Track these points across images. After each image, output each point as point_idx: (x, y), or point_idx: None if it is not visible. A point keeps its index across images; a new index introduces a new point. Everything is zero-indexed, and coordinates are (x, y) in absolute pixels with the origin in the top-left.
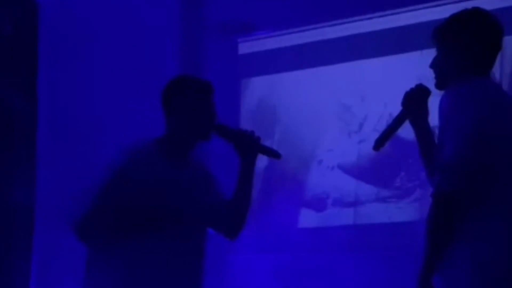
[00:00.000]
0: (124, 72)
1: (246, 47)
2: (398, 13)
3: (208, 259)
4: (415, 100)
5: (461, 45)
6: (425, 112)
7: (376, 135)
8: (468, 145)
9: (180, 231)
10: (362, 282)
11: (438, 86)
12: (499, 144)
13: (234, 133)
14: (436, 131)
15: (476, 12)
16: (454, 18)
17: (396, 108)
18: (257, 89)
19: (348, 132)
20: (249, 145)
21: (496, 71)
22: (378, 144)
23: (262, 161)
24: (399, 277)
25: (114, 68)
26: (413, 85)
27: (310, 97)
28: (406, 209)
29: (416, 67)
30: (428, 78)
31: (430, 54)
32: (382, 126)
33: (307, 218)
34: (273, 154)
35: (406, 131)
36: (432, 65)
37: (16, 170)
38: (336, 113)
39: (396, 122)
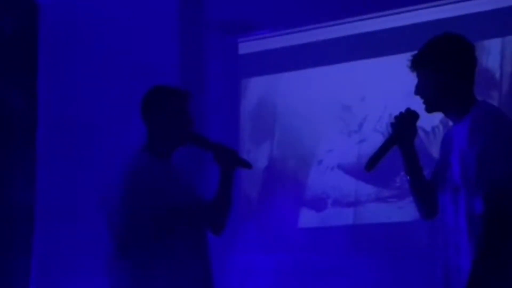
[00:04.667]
0: (124, 72)
1: (246, 47)
2: (398, 13)
3: None
4: (405, 124)
5: (456, 68)
6: (413, 135)
7: (376, 135)
8: None
9: (189, 229)
10: (362, 282)
11: (430, 109)
12: None
13: (213, 145)
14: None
15: (456, 36)
16: (438, 42)
17: (396, 108)
18: (257, 89)
19: (348, 132)
20: (228, 158)
21: (496, 71)
22: (370, 165)
23: (262, 161)
24: (399, 276)
25: (114, 68)
26: (412, 86)
27: (310, 97)
28: (406, 209)
29: None
30: None
31: None
32: (382, 126)
33: (307, 218)
34: (247, 165)
35: None
36: (420, 91)
37: (16, 170)
38: (336, 113)
39: (387, 145)
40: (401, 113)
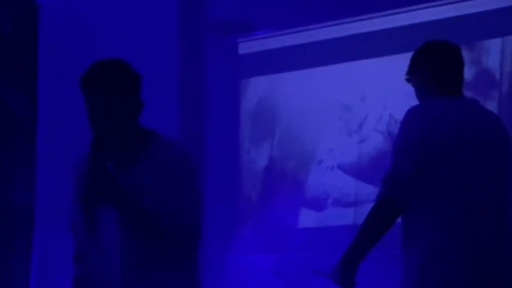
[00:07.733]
0: None
1: (246, 47)
2: (398, 13)
3: (208, 259)
4: None
5: (420, 73)
6: None
7: (376, 135)
8: (406, 158)
9: None
10: (362, 282)
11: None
12: (437, 157)
13: None
14: None
15: (430, 44)
16: (415, 54)
17: (396, 108)
18: (257, 89)
19: (348, 132)
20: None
21: (496, 71)
22: None
23: (262, 161)
24: (399, 276)
25: None
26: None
27: (310, 97)
28: None
29: None
30: None
31: None
32: (382, 126)
33: (307, 218)
34: None
35: None
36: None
37: (16, 171)
38: (336, 113)
39: None
40: None
